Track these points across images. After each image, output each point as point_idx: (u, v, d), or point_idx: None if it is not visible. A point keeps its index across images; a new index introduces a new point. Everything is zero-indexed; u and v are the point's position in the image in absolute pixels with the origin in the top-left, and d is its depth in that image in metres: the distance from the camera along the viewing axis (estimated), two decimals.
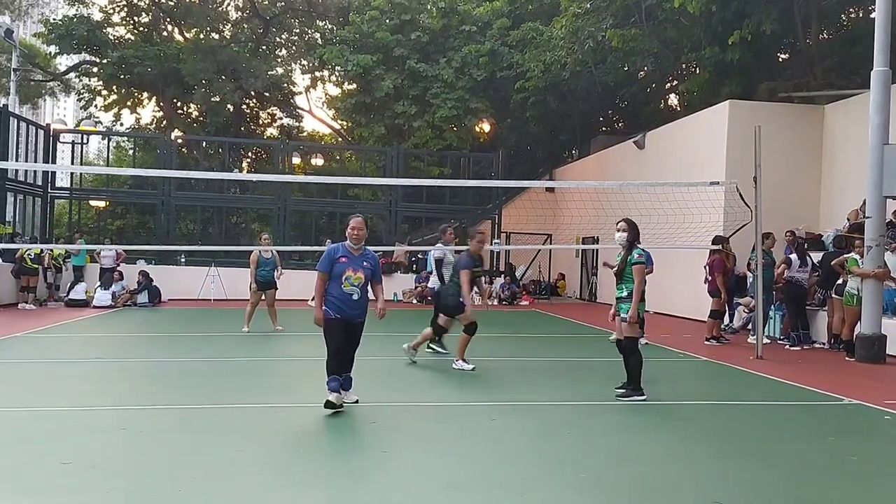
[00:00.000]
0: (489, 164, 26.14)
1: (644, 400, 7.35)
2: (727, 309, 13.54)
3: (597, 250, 23.13)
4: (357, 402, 6.84)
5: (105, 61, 29.80)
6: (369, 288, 6.91)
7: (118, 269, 18.59)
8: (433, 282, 11.09)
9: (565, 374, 9.38)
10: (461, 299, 9.07)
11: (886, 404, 7.44)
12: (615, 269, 7.55)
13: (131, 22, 31.91)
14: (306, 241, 24.55)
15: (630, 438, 6.16)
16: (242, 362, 9.75)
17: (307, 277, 20.02)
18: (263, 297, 12.94)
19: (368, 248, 7.06)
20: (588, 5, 22.82)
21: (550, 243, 23.46)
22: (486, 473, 5.02)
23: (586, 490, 4.73)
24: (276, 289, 13.17)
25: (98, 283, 17.95)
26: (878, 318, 10.66)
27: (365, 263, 6.85)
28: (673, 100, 28.20)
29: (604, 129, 29.82)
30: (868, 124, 10.92)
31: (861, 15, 20.32)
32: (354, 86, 28.42)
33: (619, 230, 7.49)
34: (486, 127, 28.82)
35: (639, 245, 7.54)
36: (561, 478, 4.96)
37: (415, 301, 20.97)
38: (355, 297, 6.75)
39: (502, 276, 22.95)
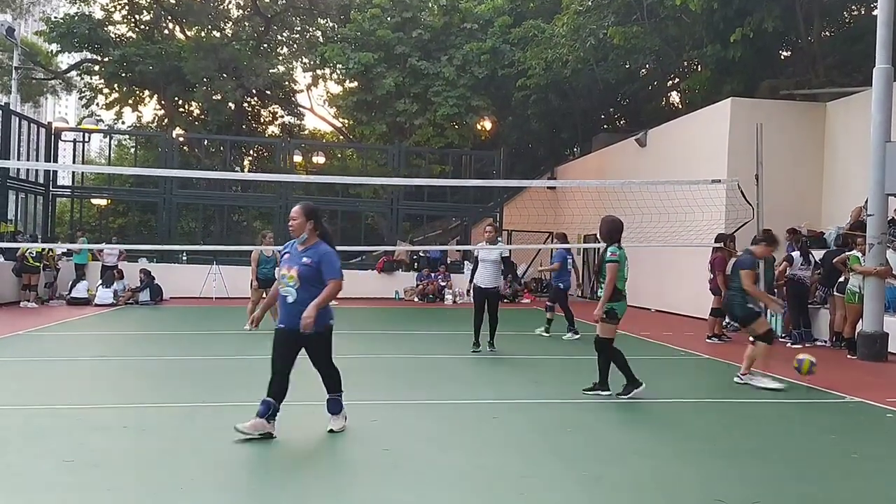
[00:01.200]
0: (490, 161, 26.13)
1: (609, 396, 7.42)
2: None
3: (598, 248, 23.10)
4: (340, 430, 5.88)
5: (106, 59, 29.78)
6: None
7: (118, 266, 18.61)
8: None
9: (565, 371, 9.38)
10: (750, 305, 8.31)
11: (888, 402, 7.44)
12: (595, 267, 7.47)
13: (132, 20, 31.87)
14: None
15: (632, 435, 6.16)
16: (244, 360, 9.76)
17: None
18: (265, 295, 12.97)
19: (324, 243, 5.77)
20: (590, 3, 22.80)
21: (552, 241, 23.43)
22: (486, 468, 5.03)
23: (588, 487, 4.73)
24: None
25: (100, 282, 17.97)
26: (880, 315, 10.65)
27: (304, 259, 5.64)
28: (674, 97, 28.17)
29: (605, 126, 29.79)
30: (870, 122, 10.91)
31: (863, 12, 20.29)
32: (356, 84, 28.38)
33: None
34: (488, 125, 28.78)
35: (616, 243, 7.47)
36: (562, 475, 4.96)
37: (416, 299, 20.98)
38: (289, 299, 5.65)
39: (504, 275, 22.92)
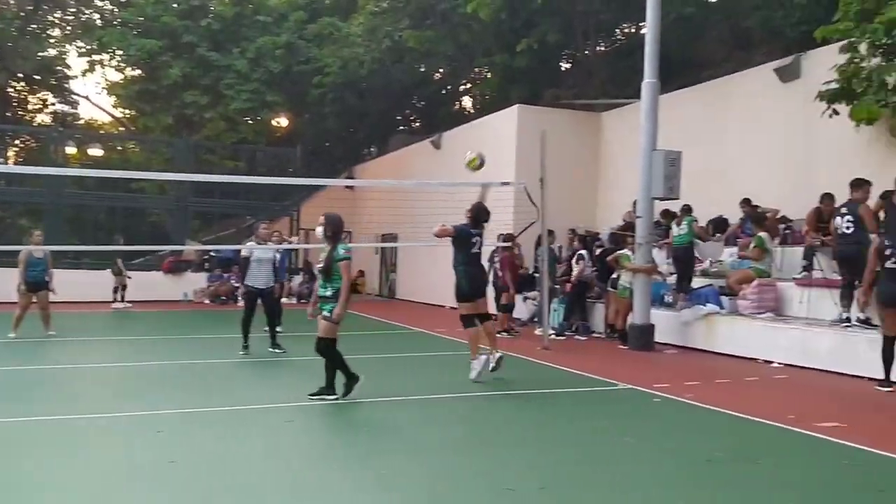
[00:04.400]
0: (287, 159, 25.55)
1: (335, 400, 7.12)
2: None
3: (396, 248, 23.43)
4: None
5: None
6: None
7: None
8: None
9: (361, 371, 9.34)
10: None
11: (655, 388, 8.16)
12: (322, 266, 7.23)
13: None
14: (84, 238, 22.55)
15: (428, 431, 6.25)
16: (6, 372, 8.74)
17: (85, 279, 18.58)
18: (34, 300, 11.80)
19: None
20: (385, 4, 23.06)
21: (350, 240, 23.35)
22: (283, 474, 4.87)
23: (384, 485, 4.72)
24: (50, 291, 12.04)
25: None
26: (648, 309, 11.68)
27: None
28: (467, 102, 29.24)
29: (402, 127, 30.25)
30: (639, 131, 11.91)
31: (633, 31, 22.22)
32: (139, 72, 26.62)
33: (318, 224, 7.32)
34: (284, 121, 28.19)
35: (344, 240, 7.31)
36: (358, 474, 4.92)
37: (207, 301, 20.01)
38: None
39: (301, 273, 22.56)
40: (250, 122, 27.04)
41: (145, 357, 10.03)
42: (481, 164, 8.95)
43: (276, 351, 10.31)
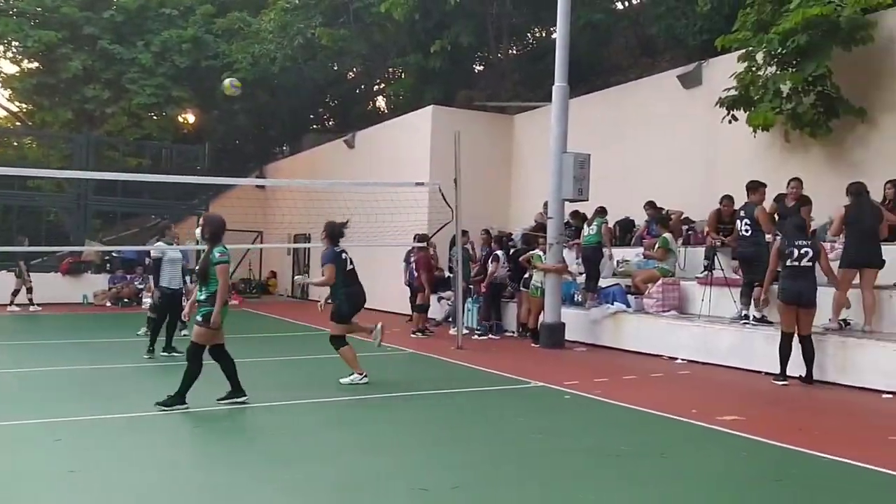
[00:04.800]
0: (194, 156, 24.78)
1: (186, 408, 6.69)
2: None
3: (308, 249, 23.10)
4: None
5: None
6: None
7: None
8: None
9: (274, 374, 9.18)
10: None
11: (566, 385, 8.33)
12: (198, 269, 7.00)
13: None
14: None
15: (341, 433, 6.19)
16: None
17: None
18: None
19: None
20: (297, 1, 22.70)
21: (261, 241, 22.91)
22: (188, 482, 4.71)
23: (298, 489, 4.63)
24: None
25: None
26: (558, 308, 11.91)
27: None
28: (381, 102, 29.12)
29: (315, 126, 29.87)
30: (550, 134, 12.13)
31: (544, 34, 22.66)
32: (36, 64, 25.35)
33: (197, 225, 7.22)
34: (191, 117, 27.40)
35: (222, 243, 6.97)
36: (272, 479, 4.81)
37: (109, 303, 19.19)
38: None
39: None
40: (155, 117, 26.14)
41: (43, 363, 9.53)
42: (233, 87, 8.89)
43: (174, 355, 9.94)
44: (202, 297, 6.82)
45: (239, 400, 6.97)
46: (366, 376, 8.23)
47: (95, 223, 24.05)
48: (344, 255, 8.43)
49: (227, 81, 8.30)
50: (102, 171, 19.61)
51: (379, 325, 8.57)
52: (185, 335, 10.49)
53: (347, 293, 8.37)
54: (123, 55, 24.53)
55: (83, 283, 19.86)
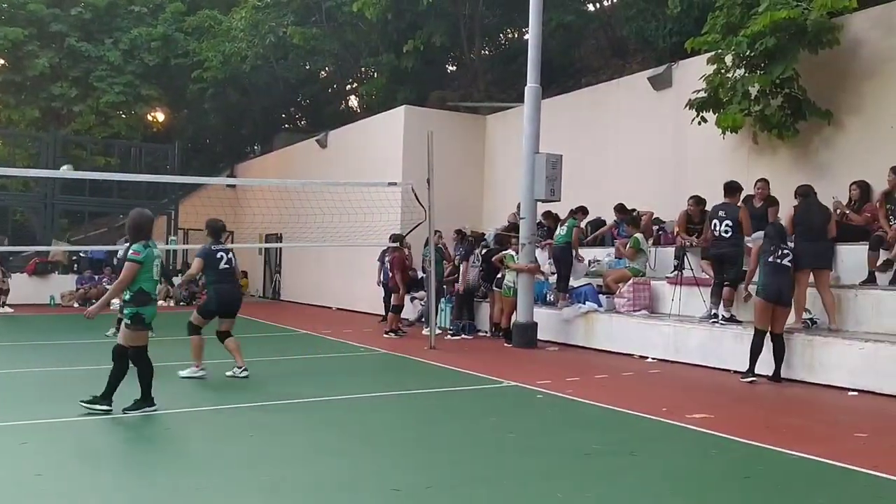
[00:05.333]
0: (164, 155, 24.50)
1: (155, 410, 6.56)
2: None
3: (280, 249, 22.96)
4: None
5: None
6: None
7: None
8: None
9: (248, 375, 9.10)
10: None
11: (538, 385, 8.37)
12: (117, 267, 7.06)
13: None
14: None
15: (316, 435, 6.16)
16: None
17: None
18: None
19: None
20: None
21: (232, 241, 22.69)
22: (158, 484, 4.65)
23: (268, 491, 4.60)
24: None
25: None
26: (531, 307, 11.96)
27: None
28: (353, 101, 29.00)
29: (286, 126, 29.67)
30: (522, 134, 12.18)
31: (516, 36, 22.73)
32: (2, 62, 24.91)
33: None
34: (160, 116, 27.11)
35: (143, 241, 6.59)
36: (242, 482, 4.77)
37: (76, 305, 18.90)
38: None
39: (180, 275, 21.71)
40: (123, 116, 25.81)
41: (6, 365, 9.35)
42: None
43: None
44: (126, 298, 6.56)
45: (148, 410, 6.56)
46: (203, 369, 8.39)
47: (63, 223, 23.71)
48: (220, 254, 8.47)
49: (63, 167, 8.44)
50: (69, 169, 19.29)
51: (201, 373, 8.45)
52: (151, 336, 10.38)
53: (217, 290, 8.50)
54: (91, 53, 24.19)
55: (50, 284, 19.55)
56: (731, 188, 9.89)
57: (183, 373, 8.33)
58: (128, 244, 9.62)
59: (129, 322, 6.55)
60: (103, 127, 24.77)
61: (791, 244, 8.79)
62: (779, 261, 8.46)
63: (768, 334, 8.50)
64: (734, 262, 9.64)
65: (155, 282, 6.69)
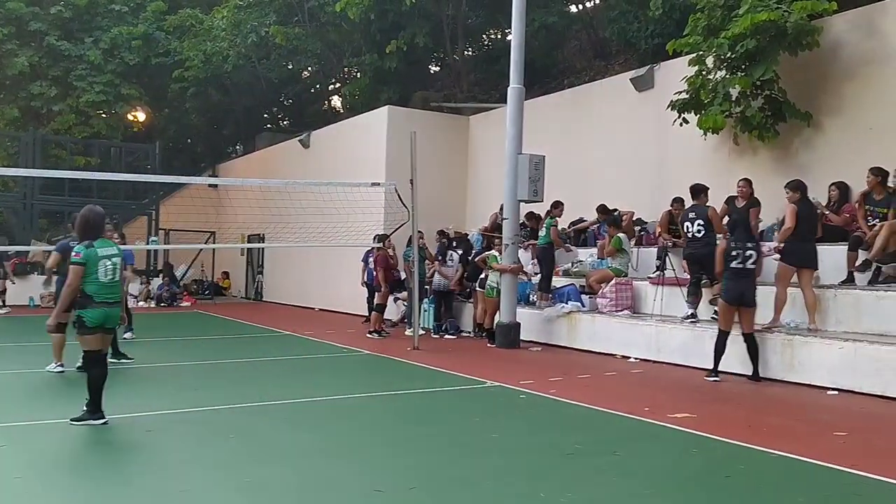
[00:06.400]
0: (145, 155, 24.31)
1: (105, 423, 6.12)
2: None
3: (263, 249, 22.85)
4: None
5: None
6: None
7: None
8: None
9: (226, 376, 9.05)
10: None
11: (522, 385, 8.38)
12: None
13: None
14: None
15: (297, 436, 6.13)
16: None
17: None
18: None
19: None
20: None
21: (214, 241, 22.58)
22: (141, 487, 4.61)
23: (251, 493, 4.57)
24: None
25: None
26: (514, 308, 11.97)
27: None
28: (336, 101, 28.91)
29: (269, 126, 29.52)
30: (505, 135, 12.20)
31: (500, 36, 22.75)
32: None
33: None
34: (141, 116, 26.90)
35: (88, 241, 6.20)
36: (224, 483, 4.74)
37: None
38: None
39: (160, 276, 21.55)
40: (104, 115, 25.57)
41: None
42: None
43: (123, 361, 9.43)
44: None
45: (93, 422, 6.09)
46: (61, 365, 8.52)
47: (42, 223, 23.44)
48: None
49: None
50: (49, 169, 19.09)
51: (58, 367, 8.62)
52: (125, 339, 10.35)
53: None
54: (71, 52, 23.97)
55: (29, 285, 19.31)
56: (696, 190, 10.06)
57: (48, 367, 8.61)
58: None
59: (73, 326, 6.29)
60: (83, 126, 24.53)
61: (775, 243, 8.84)
62: (742, 265, 8.52)
63: (741, 336, 8.58)
64: (709, 262, 9.70)
65: (101, 284, 6.13)
